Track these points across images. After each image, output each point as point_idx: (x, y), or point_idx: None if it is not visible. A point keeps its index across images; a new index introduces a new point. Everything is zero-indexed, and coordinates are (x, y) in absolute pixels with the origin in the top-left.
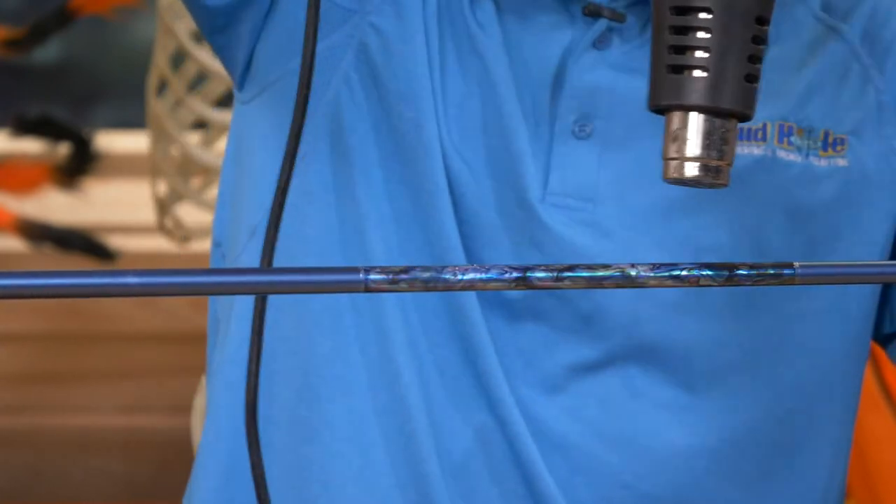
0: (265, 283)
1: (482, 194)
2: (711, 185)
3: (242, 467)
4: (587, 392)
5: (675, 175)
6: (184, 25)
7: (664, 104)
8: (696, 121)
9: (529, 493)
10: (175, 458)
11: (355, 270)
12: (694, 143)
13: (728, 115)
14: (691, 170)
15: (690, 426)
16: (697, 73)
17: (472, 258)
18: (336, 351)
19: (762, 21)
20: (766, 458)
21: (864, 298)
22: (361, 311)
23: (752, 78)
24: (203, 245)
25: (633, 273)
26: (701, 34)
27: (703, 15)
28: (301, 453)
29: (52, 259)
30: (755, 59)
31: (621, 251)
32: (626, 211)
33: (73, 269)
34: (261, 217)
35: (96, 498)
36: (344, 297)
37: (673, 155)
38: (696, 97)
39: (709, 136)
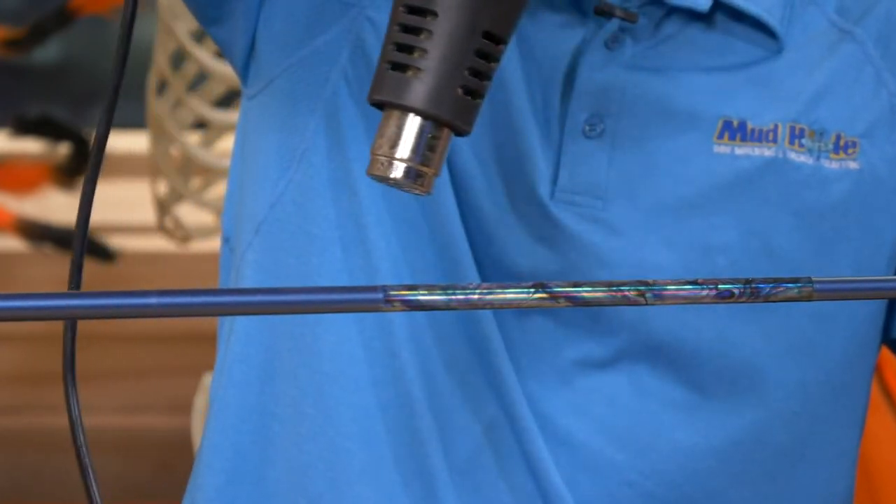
0: (287, 303)
1: (491, 189)
2: (411, 190)
3: (247, 465)
4: (594, 389)
5: (379, 173)
6: (184, 25)
7: (379, 99)
8: (409, 123)
9: (537, 488)
10: (175, 458)
11: (373, 290)
12: (403, 145)
13: (442, 123)
14: (396, 171)
15: (697, 426)
16: (417, 75)
17: (477, 254)
18: (340, 347)
19: (493, 38)
20: (771, 459)
21: (872, 301)
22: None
23: (472, 92)
24: (203, 245)
25: (652, 287)
26: (425, 36)
27: (429, 18)
28: (305, 450)
29: (52, 259)
30: (480, 74)
31: (631, 249)
32: (636, 209)
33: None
34: (265, 213)
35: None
36: None
37: (380, 152)
38: (411, 99)
39: (418, 141)
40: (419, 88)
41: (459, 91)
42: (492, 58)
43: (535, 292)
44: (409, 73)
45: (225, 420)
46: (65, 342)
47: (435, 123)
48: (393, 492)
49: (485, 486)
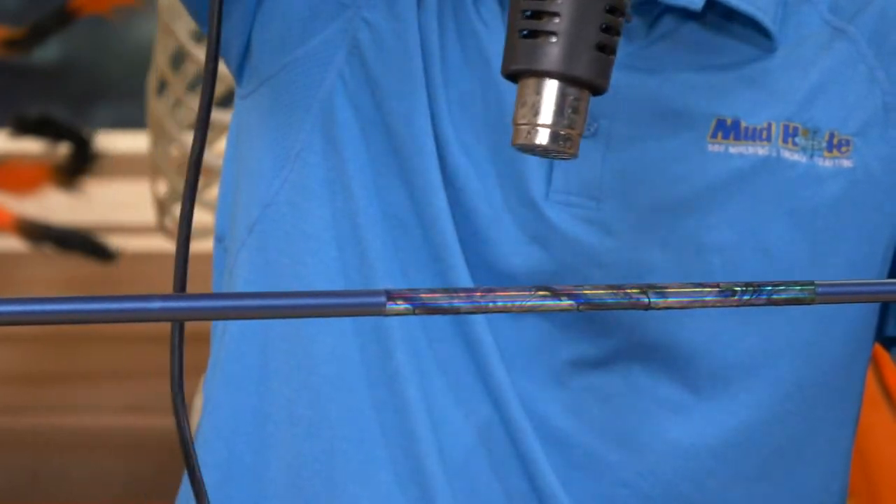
0: (289, 308)
1: (485, 189)
2: (559, 155)
3: (242, 465)
4: (589, 389)
5: (525, 141)
6: (184, 25)
7: (516, 69)
8: (548, 87)
9: (532, 489)
10: (175, 459)
11: (377, 294)
12: (545, 111)
13: (580, 83)
14: (542, 137)
15: (692, 426)
16: (551, 38)
17: (470, 254)
18: (334, 348)
19: None
20: (766, 458)
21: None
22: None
23: (606, 48)
24: (203, 245)
25: (650, 293)
26: (554, 0)
27: None
28: (301, 451)
29: (52, 259)
30: (611, 29)
31: (625, 249)
32: (630, 209)
33: (73, 268)
34: (259, 213)
35: (96, 498)
36: None
37: (523, 121)
38: (547, 63)
39: (560, 104)
40: (554, 52)
41: (594, 49)
42: (620, 11)
43: (539, 294)
44: (542, 38)
45: (219, 419)
46: (172, 346)
47: (575, 84)
48: (387, 492)
49: (479, 486)
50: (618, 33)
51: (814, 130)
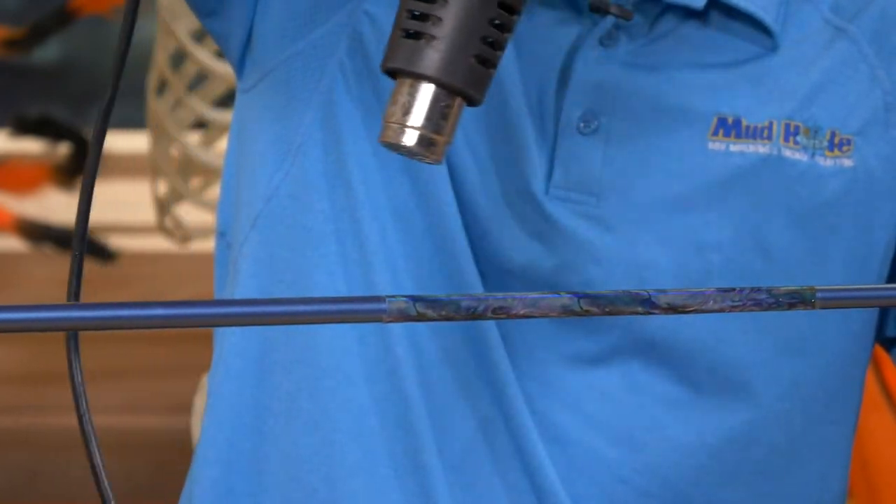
0: (290, 314)
1: (485, 184)
2: (423, 158)
3: (243, 458)
4: (587, 386)
5: (391, 140)
6: (184, 25)
7: (393, 66)
8: (422, 91)
9: (531, 485)
10: (175, 458)
11: (378, 300)
12: (416, 113)
13: (455, 91)
14: (408, 138)
15: (690, 423)
16: (432, 42)
17: (472, 248)
18: (335, 342)
19: (507, 8)
20: (764, 457)
21: None
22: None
23: (485, 61)
24: (203, 245)
25: (656, 301)
26: (439, 4)
27: None
28: (301, 444)
29: (52, 259)
30: (494, 43)
31: (624, 246)
32: (630, 206)
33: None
34: (261, 207)
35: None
36: (342, 289)
37: (392, 119)
38: (425, 66)
39: (431, 109)
40: (433, 56)
41: (473, 60)
42: (506, 28)
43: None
44: (423, 40)
45: (221, 413)
46: (68, 349)
47: (448, 92)
48: (386, 486)
49: (479, 481)
50: (500, 48)
51: (815, 129)
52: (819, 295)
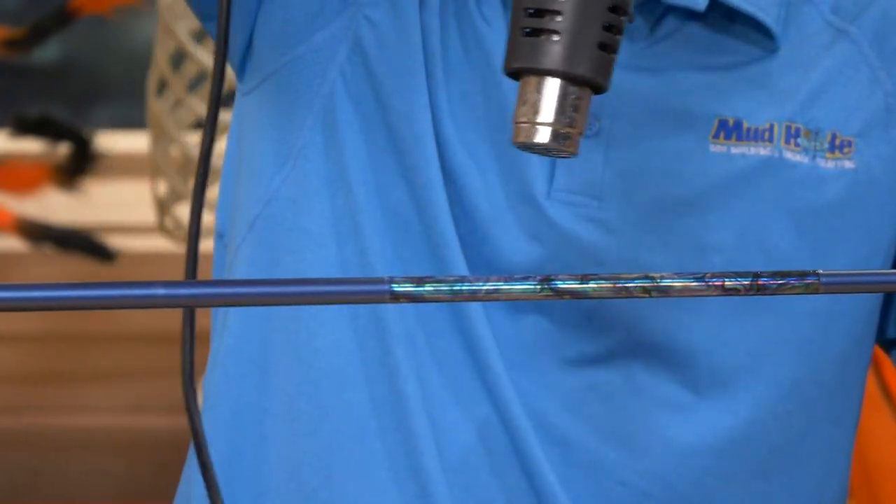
0: (292, 294)
1: (486, 187)
2: (559, 153)
3: (241, 461)
4: (588, 387)
5: (525, 139)
6: (184, 25)
7: (517, 67)
8: (549, 86)
9: (530, 487)
10: (175, 458)
11: (380, 281)
12: (546, 109)
13: (582, 82)
14: (542, 136)
15: (691, 425)
16: (553, 37)
17: (470, 252)
18: (334, 344)
19: None
20: (765, 458)
21: (867, 301)
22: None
23: (608, 48)
24: (203, 245)
25: (658, 282)
26: None
27: None
28: (299, 446)
29: (52, 259)
30: (613, 28)
31: (626, 248)
32: (632, 208)
33: (73, 268)
34: (259, 209)
35: (96, 498)
36: None
37: (523, 119)
38: (549, 61)
39: (561, 103)
40: (556, 50)
41: (596, 48)
42: (623, 10)
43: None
44: (543, 36)
45: (218, 415)
46: (183, 335)
47: (576, 83)
48: (385, 489)
49: (477, 484)
50: (620, 32)
51: (816, 131)
52: (823, 279)
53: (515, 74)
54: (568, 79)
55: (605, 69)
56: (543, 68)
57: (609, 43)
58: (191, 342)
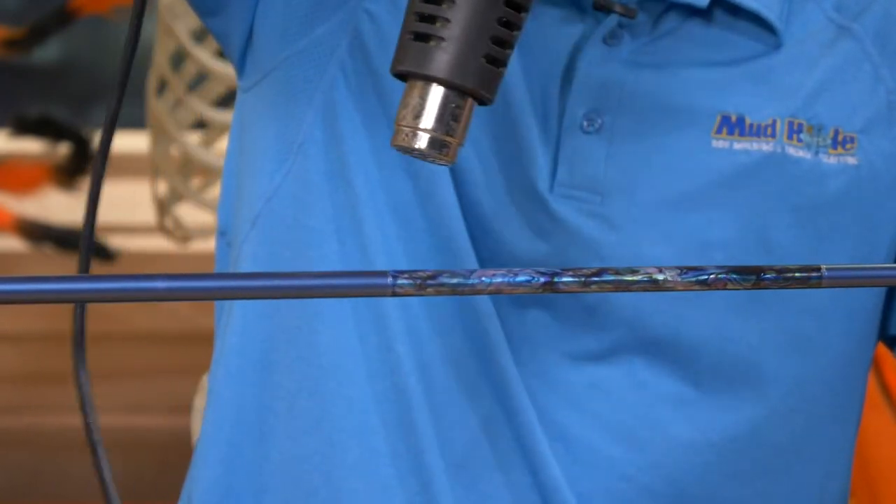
0: (294, 287)
1: (489, 182)
2: (435, 160)
3: (243, 457)
4: (591, 383)
5: (403, 143)
6: (184, 25)
7: (403, 70)
8: (432, 93)
9: (535, 482)
10: (175, 458)
11: (383, 275)
12: (427, 115)
13: (465, 92)
14: (420, 141)
15: (693, 421)
16: (441, 44)
17: (475, 246)
18: (336, 340)
19: (515, 6)
20: (768, 455)
21: (870, 298)
22: (361, 300)
23: (496, 61)
24: (203, 245)
25: (660, 278)
26: (448, 6)
27: None
28: (302, 443)
29: (52, 259)
30: (503, 42)
31: (629, 244)
32: (634, 204)
33: (73, 268)
34: (261, 206)
35: (96, 498)
36: None
37: (404, 122)
38: (434, 68)
39: (442, 111)
40: (442, 58)
41: (482, 60)
42: (514, 26)
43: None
44: (432, 42)
45: (221, 412)
46: (74, 324)
47: (459, 93)
48: (388, 485)
49: (482, 479)
50: (510, 47)
51: (818, 127)
52: (826, 273)
53: (402, 76)
54: (451, 88)
55: (491, 82)
56: (428, 74)
57: (497, 56)
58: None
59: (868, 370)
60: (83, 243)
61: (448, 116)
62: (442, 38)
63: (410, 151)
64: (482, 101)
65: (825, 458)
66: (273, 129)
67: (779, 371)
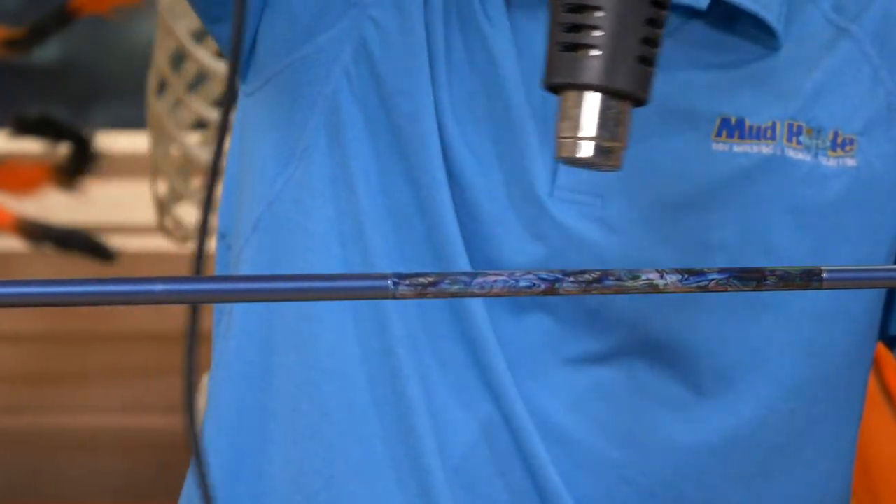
0: (294, 290)
1: (490, 187)
2: (603, 167)
3: (244, 462)
4: (591, 387)
5: (568, 154)
6: (184, 25)
7: (558, 82)
8: (589, 100)
9: (534, 486)
10: (175, 458)
11: (383, 277)
12: (588, 124)
13: (622, 96)
14: (585, 150)
15: (694, 424)
16: (591, 52)
17: (473, 251)
18: (336, 345)
19: (659, 4)
20: (767, 457)
21: (869, 299)
22: (361, 304)
23: (646, 61)
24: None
25: (660, 284)
26: (595, 13)
27: None
28: (302, 448)
29: (53, 259)
30: (651, 41)
31: (629, 247)
32: (635, 207)
33: (73, 268)
34: (262, 210)
35: (96, 498)
36: None
37: (566, 134)
38: (589, 76)
39: (603, 117)
40: (595, 65)
41: (634, 61)
42: (659, 24)
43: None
44: (582, 51)
45: (222, 417)
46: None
47: (616, 97)
48: (388, 490)
49: (481, 483)
50: (657, 45)
51: (818, 129)
52: (826, 275)
53: (555, 89)
54: (608, 93)
55: (645, 82)
56: (583, 83)
57: (648, 56)
58: (192, 342)
59: (869, 371)
60: (199, 237)
61: (610, 122)
62: (593, 46)
63: (576, 162)
64: (639, 102)
65: (826, 459)
66: (275, 133)
67: (778, 373)
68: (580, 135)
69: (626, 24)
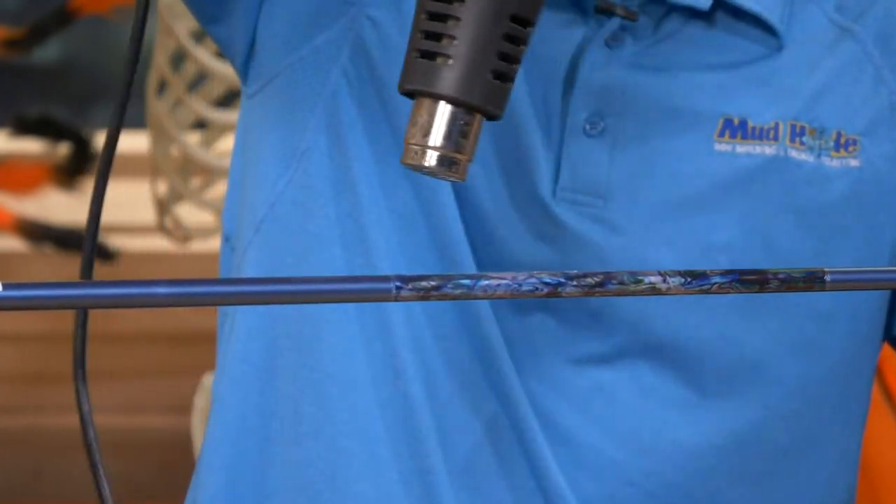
0: (295, 293)
1: (492, 188)
2: (445, 177)
3: (247, 463)
4: (595, 388)
5: (413, 161)
6: (184, 25)
7: (410, 88)
8: (440, 110)
9: (538, 487)
10: (175, 458)
11: (386, 280)
12: (435, 133)
13: (473, 109)
14: (429, 159)
15: (698, 425)
16: (447, 62)
17: (477, 253)
18: (340, 346)
19: (520, 21)
20: (771, 458)
21: (874, 299)
22: (365, 305)
23: (503, 76)
24: (203, 245)
25: (663, 287)
26: (452, 23)
27: (456, 4)
28: (306, 449)
29: (52, 259)
30: (509, 57)
31: (632, 248)
32: (637, 208)
33: (73, 268)
34: (265, 212)
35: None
36: None
37: (413, 141)
38: (441, 86)
39: (450, 128)
40: (449, 75)
41: (489, 76)
42: (520, 41)
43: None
44: (439, 60)
45: (226, 418)
46: (75, 334)
47: (466, 110)
48: (392, 490)
49: (485, 484)
50: (517, 62)
51: (820, 130)
52: (829, 277)
53: (410, 94)
54: (459, 105)
55: (499, 98)
56: (435, 92)
57: (504, 72)
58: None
59: (873, 372)
60: (86, 246)
61: (457, 134)
62: (448, 56)
63: (420, 169)
64: (490, 117)
65: (830, 460)
66: (276, 135)
67: (783, 373)
68: (427, 143)
69: (483, 37)
